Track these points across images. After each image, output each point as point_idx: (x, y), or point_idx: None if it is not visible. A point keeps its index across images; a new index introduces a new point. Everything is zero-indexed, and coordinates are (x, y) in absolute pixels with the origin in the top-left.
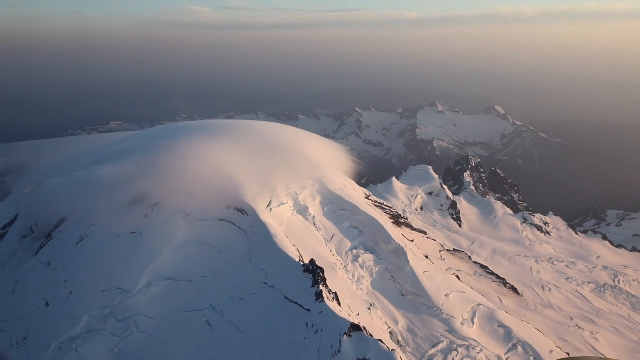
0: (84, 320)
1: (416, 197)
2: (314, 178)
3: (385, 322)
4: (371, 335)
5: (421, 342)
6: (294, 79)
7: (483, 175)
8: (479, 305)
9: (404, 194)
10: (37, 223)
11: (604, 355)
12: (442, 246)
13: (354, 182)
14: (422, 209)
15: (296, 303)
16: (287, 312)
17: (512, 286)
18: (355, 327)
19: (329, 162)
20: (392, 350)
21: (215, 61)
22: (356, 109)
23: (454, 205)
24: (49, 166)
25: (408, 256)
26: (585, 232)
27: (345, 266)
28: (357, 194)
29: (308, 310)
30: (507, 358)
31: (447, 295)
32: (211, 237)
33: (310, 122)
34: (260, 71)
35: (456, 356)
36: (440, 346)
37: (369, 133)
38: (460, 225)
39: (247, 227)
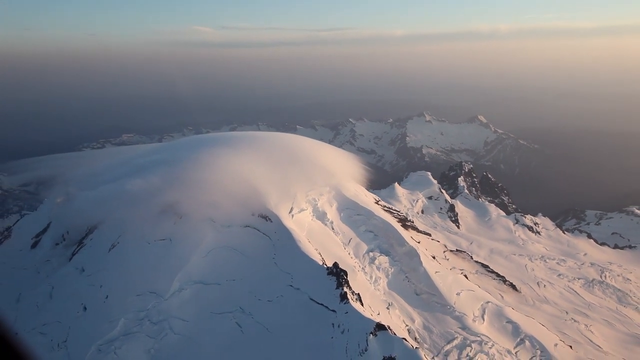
0: (121, 323)
1: (417, 201)
2: (330, 185)
3: (403, 321)
4: (394, 334)
5: (437, 338)
6: (291, 92)
7: (475, 179)
8: (488, 302)
9: (405, 199)
10: (68, 231)
11: (600, 347)
12: (446, 247)
13: (364, 189)
14: (422, 212)
15: (321, 304)
16: (313, 313)
17: (511, 283)
18: (381, 327)
19: (342, 170)
20: (416, 347)
21: (218, 77)
22: (350, 119)
23: (452, 208)
24: (79, 178)
25: (421, 257)
26: (569, 231)
27: (363, 268)
28: (369, 200)
29: (333, 311)
30: (517, 352)
31: (458, 294)
32: (237, 243)
33: (308, 132)
34: (260, 85)
35: (470, 351)
36: (455, 342)
37: (362, 142)
38: (458, 227)
39: (271, 233)
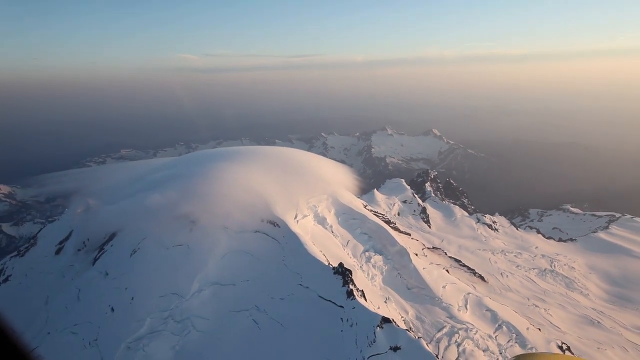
0: (147, 323)
1: (394, 205)
2: (327, 193)
3: (399, 313)
4: (398, 326)
5: (429, 327)
6: (269, 111)
7: (440, 184)
8: (469, 293)
9: (384, 203)
10: (88, 238)
11: (559, 328)
12: (424, 245)
13: (353, 195)
14: (399, 214)
15: (330, 301)
16: (322, 309)
17: (480, 275)
18: (386, 320)
19: (336, 179)
20: (419, 338)
21: (204, 98)
22: (322, 133)
23: (424, 210)
24: (99, 191)
25: (410, 256)
26: (520, 227)
27: (361, 266)
28: (360, 205)
29: (341, 306)
30: (496, 336)
31: (444, 287)
32: (249, 247)
33: (285, 145)
34: (241, 105)
35: (458, 338)
36: (444, 330)
37: (333, 153)
38: (429, 227)
39: (279, 237)
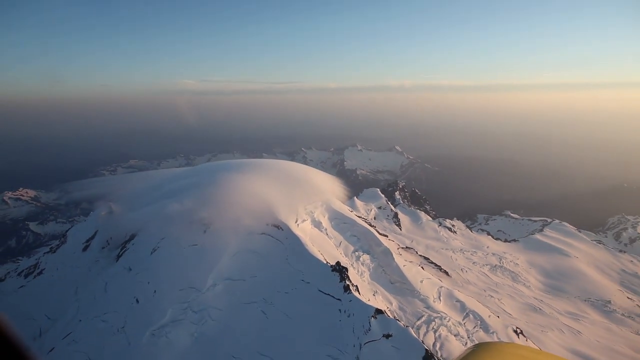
0: (169, 313)
1: (371, 210)
2: (321, 200)
3: (385, 304)
4: (389, 316)
5: (409, 316)
6: (255, 128)
7: (407, 193)
8: (441, 287)
9: (362, 209)
10: (111, 237)
11: (511, 314)
12: (399, 245)
13: (341, 203)
14: (375, 218)
15: (329, 294)
16: (322, 301)
17: (445, 270)
18: (379, 311)
19: (328, 188)
20: (407, 326)
21: (201, 116)
22: (302, 148)
23: (396, 215)
24: (121, 198)
25: (393, 255)
26: (473, 229)
27: (352, 264)
28: (348, 211)
29: (339, 299)
30: (465, 323)
31: (421, 282)
32: (256, 247)
33: (270, 158)
34: (232, 123)
35: (434, 325)
36: (423, 319)
37: (312, 165)
38: (400, 230)
39: (283, 239)
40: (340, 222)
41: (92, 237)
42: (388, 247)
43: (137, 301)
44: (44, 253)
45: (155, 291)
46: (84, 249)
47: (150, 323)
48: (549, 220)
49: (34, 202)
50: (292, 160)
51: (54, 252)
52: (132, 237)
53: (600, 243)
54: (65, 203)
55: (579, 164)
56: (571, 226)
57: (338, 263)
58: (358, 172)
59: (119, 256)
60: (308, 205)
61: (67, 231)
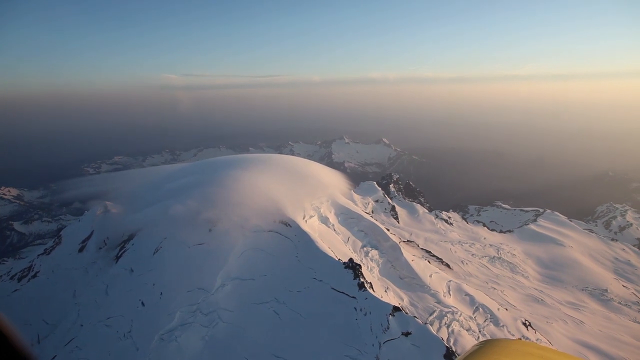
0: (178, 316)
1: (369, 204)
2: (327, 195)
3: (397, 300)
4: (407, 313)
5: (422, 312)
6: (241, 122)
7: (401, 185)
8: (450, 281)
9: (360, 202)
10: (108, 237)
11: (515, 306)
12: (400, 239)
13: (342, 197)
14: (373, 212)
15: (343, 292)
16: (336, 300)
17: (447, 263)
18: (397, 309)
19: (332, 182)
20: (425, 323)
21: (185, 111)
22: (289, 142)
23: (393, 208)
24: (119, 196)
25: (402, 250)
26: (469, 221)
27: (361, 260)
28: (354, 205)
29: (354, 297)
30: (475, 317)
31: (430, 276)
32: (264, 245)
33: (257, 152)
34: (217, 117)
35: (447, 320)
36: (435, 314)
37: None
38: (398, 223)
39: (291, 236)
40: (347, 218)
41: (88, 238)
42: (396, 242)
43: (143, 304)
44: (38, 255)
45: (161, 293)
46: (80, 250)
47: (158, 327)
48: (541, 210)
49: (17, 201)
50: (279, 154)
51: (49, 253)
52: (131, 237)
53: (591, 232)
54: (55, 202)
55: (562, 154)
56: (563, 216)
57: (351, 260)
58: (346, 165)
59: (118, 257)
60: (314, 201)
61: (61, 231)
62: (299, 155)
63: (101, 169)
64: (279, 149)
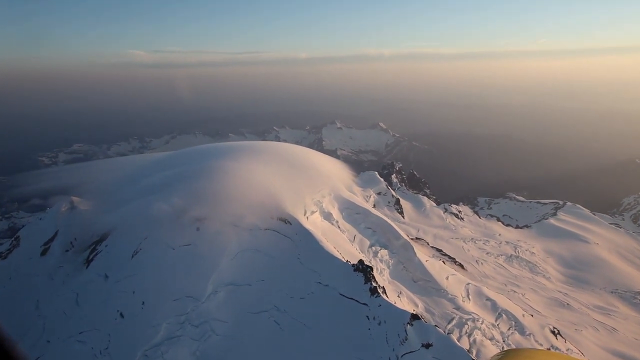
0: (163, 328)
1: (370, 197)
2: (329, 188)
3: (411, 306)
4: (427, 322)
5: (439, 319)
6: (219, 105)
7: (404, 176)
8: (469, 283)
9: (360, 195)
10: (75, 238)
11: (539, 312)
12: (407, 236)
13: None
14: (374, 206)
15: (352, 299)
16: (345, 307)
17: (460, 263)
18: (415, 317)
19: (335, 173)
20: (448, 333)
21: (155, 93)
22: (274, 127)
23: (397, 201)
24: (88, 191)
25: (415, 249)
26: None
27: (369, 261)
28: (361, 199)
29: (365, 304)
30: (498, 324)
31: (447, 278)
32: (261, 245)
33: (238, 139)
34: (190, 99)
35: (467, 328)
36: (454, 322)
37: None
38: (403, 218)
39: (292, 235)
40: (352, 213)
41: (52, 239)
42: (408, 240)
43: (122, 315)
44: None
45: (143, 302)
46: (43, 253)
47: (141, 342)
48: (560, 202)
49: None
50: (263, 140)
51: (5, 257)
52: (104, 237)
53: (618, 227)
54: (6, 198)
55: (582, 139)
56: (585, 209)
57: (361, 261)
58: (339, 153)
59: (89, 261)
60: (315, 195)
61: (18, 232)
62: (285, 142)
63: (58, 159)
64: (263, 136)
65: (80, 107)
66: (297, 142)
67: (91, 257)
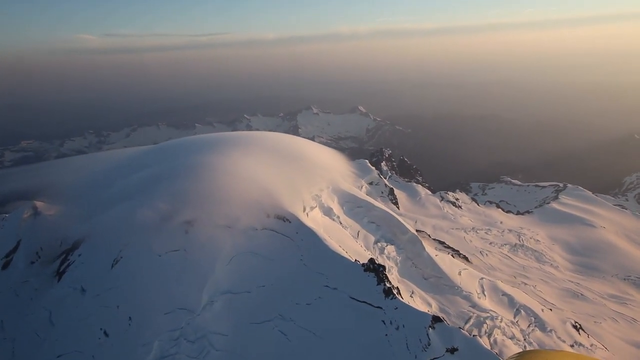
0: (156, 346)
1: (362, 187)
2: (327, 180)
3: (424, 306)
4: (449, 324)
5: (455, 319)
6: (182, 93)
7: (394, 163)
8: (482, 278)
9: (353, 186)
10: (41, 247)
11: (554, 305)
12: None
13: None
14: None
15: (365, 302)
16: (357, 311)
17: (464, 255)
18: (437, 319)
19: (332, 165)
20: (474, 336)
21: (108, 82)
22: (245, 115)
23: (391, 191)
24: (52, 194)
25: (423, 243)
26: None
27: (376, 259)
28: (361, 192)
29: (379, 307)
30: (517, 321)
31: (459, 274)
32: (258, 247)
33: (206, 130)
34: (149, 88)
35: (487, 328)
36: (472, 321)
37: None
38: (398, 208)
39: (292, 234)
40: (353, 207)
41: (14, 250)
42: (415, 234)
43: (106, 334)
44: None
45: (130, 318)
46: (4, 267)
47: None
48: (561, 185)
49: None
50: (234, 130)
51: None
52: (76, 245)
53: (623, 208)
54: None
55: (576, 115)
56: (588, 191)
57: (372, 260)
58: (317, 141)
59: (60, 273)
60: (313, 188)
61: None
62: (257, 130)
63: (5, 158)
64: (233, 125)
65: (26, 101)
66: (271, 130)
67: (62, 268)
